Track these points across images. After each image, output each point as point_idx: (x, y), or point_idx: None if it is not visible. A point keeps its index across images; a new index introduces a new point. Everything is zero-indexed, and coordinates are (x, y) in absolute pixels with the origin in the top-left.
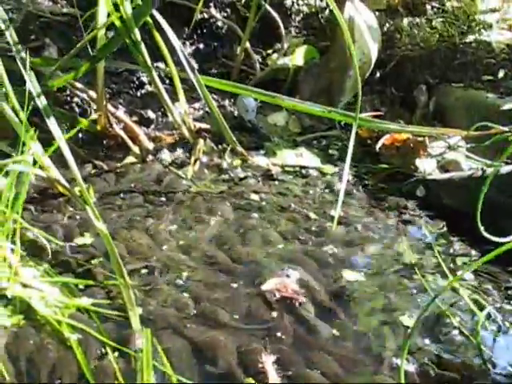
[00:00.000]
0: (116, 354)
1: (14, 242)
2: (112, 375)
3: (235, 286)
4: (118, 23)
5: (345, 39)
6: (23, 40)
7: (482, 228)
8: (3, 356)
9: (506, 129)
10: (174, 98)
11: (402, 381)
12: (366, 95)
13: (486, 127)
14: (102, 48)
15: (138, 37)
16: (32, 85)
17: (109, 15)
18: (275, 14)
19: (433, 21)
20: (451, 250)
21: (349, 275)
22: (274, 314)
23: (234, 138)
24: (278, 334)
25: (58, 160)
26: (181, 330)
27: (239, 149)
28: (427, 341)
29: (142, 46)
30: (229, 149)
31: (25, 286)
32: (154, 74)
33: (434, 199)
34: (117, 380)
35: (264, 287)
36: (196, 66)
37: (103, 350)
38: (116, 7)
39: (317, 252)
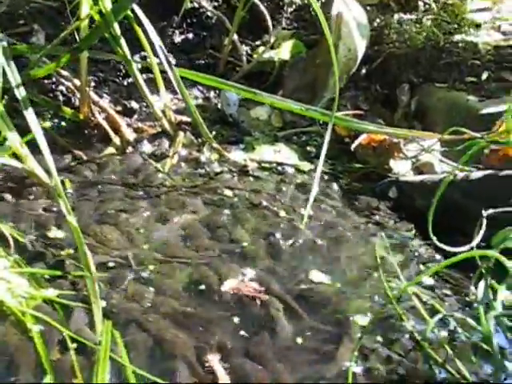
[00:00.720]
0: (75, 345)
1: None
2: (69, 367)
3: (199, 282)
4: (97, 17)
5: (326, 36)
6: (11, 25)
7: (434, 238)
8: None
9: (478, 135)
10: (157, 88)
11: (350, 381)
12: (350, 91)
13: (459, 132)
14: (83, 40)
15: (118, 31)
16: (12, 75)
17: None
18: (263, 8)
19: (423, 18)
20: (416, 254)
21: (313, 275)
22: (234, 312)
23: (210, 135)
24: (235, 331)
25: (39, 148)
26: (143, 324)
27: (215, 145)
28: (379, 344)
29: (122, 40)
30: (207, 143)
31: None
32: (134, 67)
33: (406, 201)
34: (73, 372)
35: (223, 288)
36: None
37: (64, 342)
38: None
39: (282, 251)
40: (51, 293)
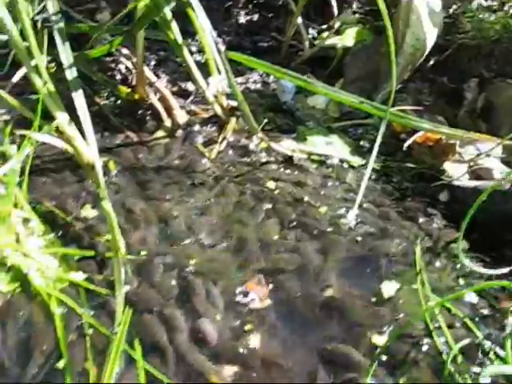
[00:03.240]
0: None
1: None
2: (83, 353)
3: (224, 279)
4: (146, 1)
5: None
6: (80, 2)
7: (464, 258)
8: None
9: None
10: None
11: None
12: (416, 83)
13: None
14: (135, 24)
15: (169, 15)
16: (65, 56)
17: None
18: None
19: (505, 5)
20: (458, 266)
21: (340, 283)
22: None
23: (256, 125)
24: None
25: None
26: (162, 315)
27: (260, 135)
28: (393, 366)
29: (174, 24)
30: (259, 129)
31: (25, 255)
32: (186, 52)
33: (457, 207)
34: (86, 358)
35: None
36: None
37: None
38: None
39: (313, 253)
40: (79, 276)
